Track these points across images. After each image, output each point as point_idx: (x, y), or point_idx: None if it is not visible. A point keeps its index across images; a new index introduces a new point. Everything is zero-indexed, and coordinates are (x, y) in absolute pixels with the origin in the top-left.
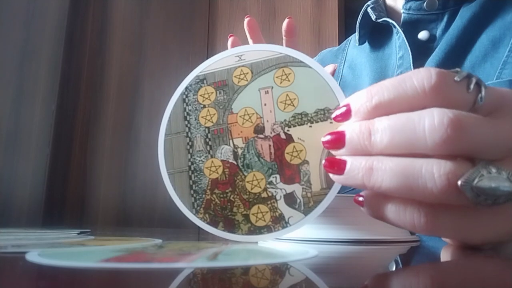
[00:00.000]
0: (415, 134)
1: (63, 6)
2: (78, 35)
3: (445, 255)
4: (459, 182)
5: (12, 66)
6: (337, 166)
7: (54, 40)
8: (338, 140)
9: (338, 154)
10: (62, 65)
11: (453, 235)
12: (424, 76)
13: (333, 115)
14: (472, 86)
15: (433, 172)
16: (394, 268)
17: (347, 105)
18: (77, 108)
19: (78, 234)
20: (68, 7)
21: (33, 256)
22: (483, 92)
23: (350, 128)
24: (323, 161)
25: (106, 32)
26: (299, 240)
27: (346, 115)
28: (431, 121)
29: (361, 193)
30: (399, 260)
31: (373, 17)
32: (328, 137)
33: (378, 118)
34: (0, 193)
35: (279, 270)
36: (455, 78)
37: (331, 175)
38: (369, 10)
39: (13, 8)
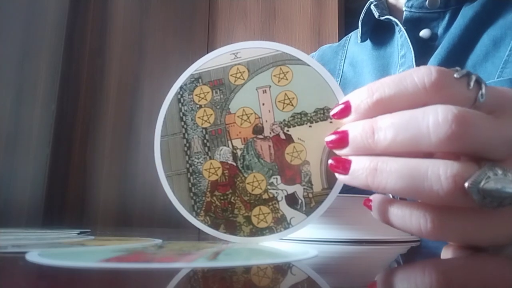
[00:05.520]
0: (419, 131)
1: (63, 6)
2: (78, 35)
3: (445, 255)
4: (466, 184)
5: (12, 66)
6: (342, 165)
7: (54, 40)
8: (341, 140)
9: (342, 153)
10: (62, 65)
11: (459, 239)
12: (424, 73)
13: (331, 112)
14: (472, 83)
15: (440, 174)
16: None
17: (347, 102)
18: (77, 108)
19: (78, 234)
20: (68, 7)
21: (33, 256)
22: (483, 89)
23: (353, 127)
24: (325, 161)
25: (106, 32)
26: (299, 240)
27: (345, 112)
28: (435, 118)
29: (371, 197)
30: (400, 260)
31: (376, 14)
32: (332, 137)
33: (381, 116)
34: (0, 193)
35: (279, 270)
36: (455, 75)
37: (336, 174)
38: (372, 7)
39: (13, 8)
